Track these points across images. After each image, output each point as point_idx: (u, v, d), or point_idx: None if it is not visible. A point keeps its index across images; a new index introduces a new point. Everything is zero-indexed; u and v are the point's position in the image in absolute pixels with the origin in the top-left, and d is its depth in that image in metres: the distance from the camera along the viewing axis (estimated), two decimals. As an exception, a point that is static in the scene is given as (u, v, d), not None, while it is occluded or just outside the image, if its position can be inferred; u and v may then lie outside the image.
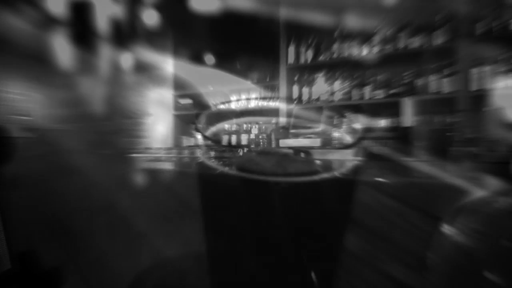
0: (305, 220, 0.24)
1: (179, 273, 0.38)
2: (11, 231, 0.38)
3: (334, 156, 0.24)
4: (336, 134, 0.27)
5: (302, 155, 0.23)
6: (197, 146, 0.25)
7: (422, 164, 0.61)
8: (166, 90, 1.18)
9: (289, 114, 0.29)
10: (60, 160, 0.58)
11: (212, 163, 0.24)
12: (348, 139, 0.26)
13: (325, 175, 0.23)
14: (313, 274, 0.27)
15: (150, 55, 1.25)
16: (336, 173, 0.23)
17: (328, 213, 0.25)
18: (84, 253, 0.40)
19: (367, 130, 0.24)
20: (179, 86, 1.43)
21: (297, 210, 0.23)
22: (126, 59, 1.21)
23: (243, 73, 1.77)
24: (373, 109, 1.61)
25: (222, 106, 0.30)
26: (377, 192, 0.54)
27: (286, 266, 0.26)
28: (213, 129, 0.28)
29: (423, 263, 0.24)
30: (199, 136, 0.25)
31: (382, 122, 1.52)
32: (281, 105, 0.28)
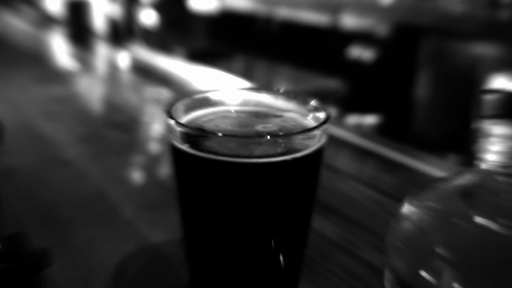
0: (268, 199, 0.26)
1: (163, 257, 0.40)
2: (2, 218, 0.40)
3: (300, 139, 0.26)
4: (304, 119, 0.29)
5: (269, 137, 0.25)
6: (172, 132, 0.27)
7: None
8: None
9: (258, 103, 0.31)
10: (52, 152, 0.60)
11: (186, 147, 0.26)
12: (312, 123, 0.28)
13: (287, 157, 0.25)
14: (281, 256, 0.29)
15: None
16: (300, 155, 0.25)
17: (290, 194, 0.26)
18: (73, 238, 0.42)
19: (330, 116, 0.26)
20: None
21: (260, 191, 0.25)
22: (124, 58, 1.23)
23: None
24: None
25: (201, 95, 0.31)
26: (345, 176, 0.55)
27: (256, 248, 0.28)
28: (189, 117, 0.30)
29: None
30: (172, 122, 0.26)
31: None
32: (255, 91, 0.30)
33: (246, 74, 2.25)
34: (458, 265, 0.21)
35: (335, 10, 1.96)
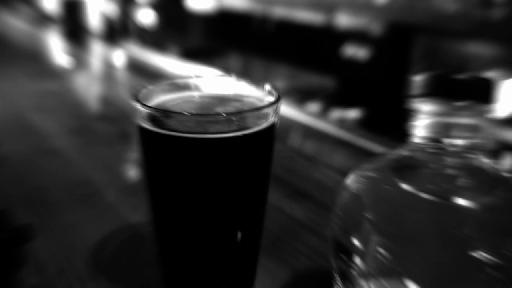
0: (221, 174, 0.28)
1: (140, 236, 0.43)
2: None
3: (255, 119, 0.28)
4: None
5: (222, 116, 0.28)
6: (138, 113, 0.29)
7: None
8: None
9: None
10: (42, 142, 0.63)
11: (149, 126, 0.29)
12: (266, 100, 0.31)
13: (239, 133, 0.27)
14: (239, 228, 0.31)
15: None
16: (250, 131, 0.28)
17: (243, 168, 0.29)
18: (58, 219, 0.45)
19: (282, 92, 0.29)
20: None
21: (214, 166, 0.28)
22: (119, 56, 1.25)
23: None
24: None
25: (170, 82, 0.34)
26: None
27: (215, 221, 0.30)
28: (157, 101, 0.33)
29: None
30: (137, 104, 0.29)
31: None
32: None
33: (243, 72, 2.27)
34: (381, 226, 0.23)
35: (330, 9, 1.98)
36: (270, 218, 0.46)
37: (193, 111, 0.31)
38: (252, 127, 0.28)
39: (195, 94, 0.34)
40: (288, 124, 0.74)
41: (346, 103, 1.69)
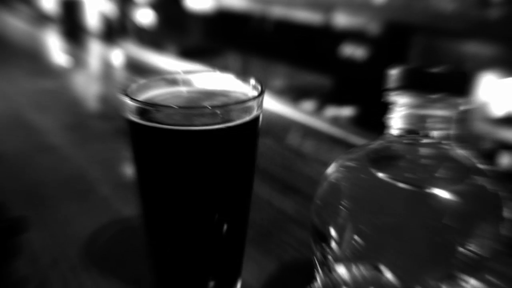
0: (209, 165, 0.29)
1: (132, 228, 0.44)
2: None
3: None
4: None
5: (206, 109, 0.29)
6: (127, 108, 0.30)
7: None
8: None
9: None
10: (39, 139, 0.64)
11: (138, 119, 0.30)
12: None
13: (223, 125, 0.28)
14: (225, 218, 0.32)
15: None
16: (233, 124, 0.29)
17: (227, 160, 0.30)
18: (52, 212, 0.46)
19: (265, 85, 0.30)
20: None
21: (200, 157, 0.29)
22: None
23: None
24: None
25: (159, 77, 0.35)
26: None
27: (201, 211, 0.31)
28: (146, 96, 0.34)
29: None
30: (126, 99, 0.30)
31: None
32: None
33: (241, 71, 2.28)
34: (356, 214, 0.24)
35: (328, 9, 1.99)
36: (260, 212, 0.48)
37: (180, 105, 0.32)
38: (236, 120, 0.29)
39: (183, 89, 0.35)
40: (283, 123, 0.75)
41: (343, 102, 1.70)
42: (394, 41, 1.85)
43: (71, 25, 1.46)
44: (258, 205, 0.49)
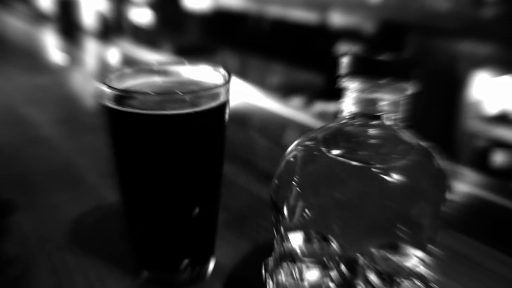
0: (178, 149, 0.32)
1: (116, 212, 0.46)
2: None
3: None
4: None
5: (176, 95, 0.31)
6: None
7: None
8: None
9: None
10: (31, 131, 0.66)
11: (113, 105, 0.32)
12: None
13: (190, 110, 0.31)
14: (196, 199, 0.35)
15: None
16: (200, 109, 0.31)
17: (195, 143, 0.32)
18: (41, 198, 0.49)
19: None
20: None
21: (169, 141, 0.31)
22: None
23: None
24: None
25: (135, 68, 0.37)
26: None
27: (173, 193, 0.33)
28: (123, 85, 0.36)
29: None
30: (103, 86, 0.32)
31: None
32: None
33: (239, 70, 2.30)
34: (305, 188, 0.27)
35: (324, 8, 2.02)
36: (238, 199, 0.50)
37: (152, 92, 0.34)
38: (203, 105, 0.31)
39: (158, 79, 0.37)
40: (269, 117, 0.77)
41: (333, 98, 1.73)
42: (389, 40, 1.87)
43: (68, 24, 1.48)
44: (237, 193, 0.51)
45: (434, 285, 0.28)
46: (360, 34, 1.92)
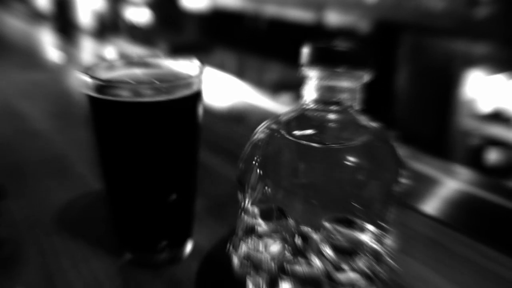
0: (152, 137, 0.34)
1: (101, 199, 0.49)
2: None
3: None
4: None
5: (150, 85, 0.33)
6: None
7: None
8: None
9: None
10: (24, 125, 0.69)
11: (93, 93, 0.34)
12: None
13: (164, 98, 0.33)
14: (172, 183, 0.37)
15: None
16: (173, 97, 0.33)
17: (170, 129, 0.34)
18: (32, 186, 0.51)
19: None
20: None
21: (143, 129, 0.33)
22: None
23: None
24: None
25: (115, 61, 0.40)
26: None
27: (151, 179, 0.36)
28: (106, 75, 0.38)
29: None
30: (85, 76, 0.35)
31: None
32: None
33: (237, 68, 2.32)
34: (265, 167, 0.29)
35: (320, 7, 2.04)
36: (219, 186, 0.52)
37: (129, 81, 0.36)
38: (177, 94, 0.33)
39: (138, 71, 0.39)
40: (253, 111, 0.80)
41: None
42: (384, 39, 1.89)
43: (65, 23, 1.51)
44: (219, 182, 0.54)
45: (387, 259, 0.30)
46: (355, 33, 1.94)
